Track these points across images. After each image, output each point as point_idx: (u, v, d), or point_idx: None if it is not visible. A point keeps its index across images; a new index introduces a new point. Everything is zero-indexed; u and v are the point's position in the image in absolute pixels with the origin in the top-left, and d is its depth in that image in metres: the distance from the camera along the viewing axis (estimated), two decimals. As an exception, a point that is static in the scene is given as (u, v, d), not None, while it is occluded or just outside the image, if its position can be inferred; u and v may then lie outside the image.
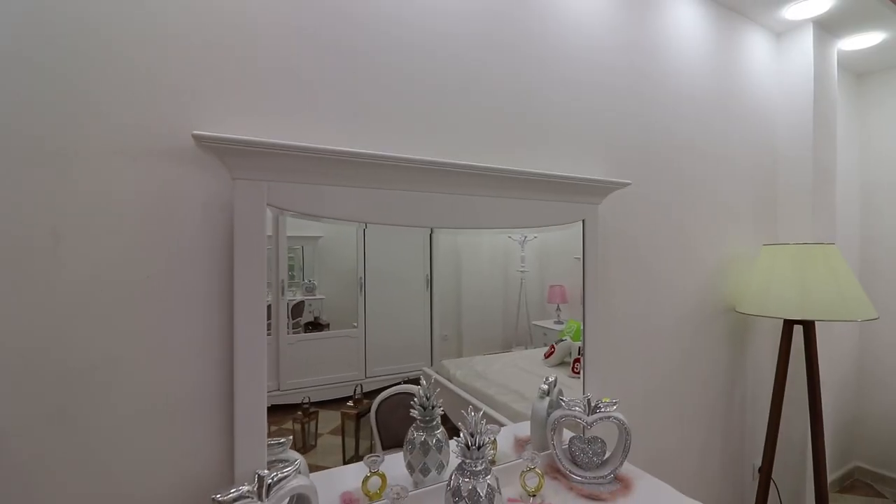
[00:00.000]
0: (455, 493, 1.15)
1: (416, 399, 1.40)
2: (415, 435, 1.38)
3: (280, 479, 0.98)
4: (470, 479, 1.14)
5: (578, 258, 1.68)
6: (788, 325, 2.04)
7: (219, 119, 1.06)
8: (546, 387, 1.61)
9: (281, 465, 1.01)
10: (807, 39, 2.30)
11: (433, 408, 1.39)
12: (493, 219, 1.42)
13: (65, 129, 0.93)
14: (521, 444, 1.59)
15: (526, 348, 1.84)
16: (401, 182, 1.22)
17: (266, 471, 0.97)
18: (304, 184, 1.09)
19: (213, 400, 1.07)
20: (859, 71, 3.00)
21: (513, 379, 1.77)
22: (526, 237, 1.80)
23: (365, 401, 1.54)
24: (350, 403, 1.51)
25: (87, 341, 0.95)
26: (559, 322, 1.86)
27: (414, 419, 1.39)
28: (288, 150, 1.02)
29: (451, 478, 1.18)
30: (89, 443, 0.96)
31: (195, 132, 0.92)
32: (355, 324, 1.51)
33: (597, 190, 1.57)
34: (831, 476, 2.87)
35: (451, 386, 1.66)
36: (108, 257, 0.97)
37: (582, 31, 1.70)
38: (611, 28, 1.78)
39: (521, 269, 1.82)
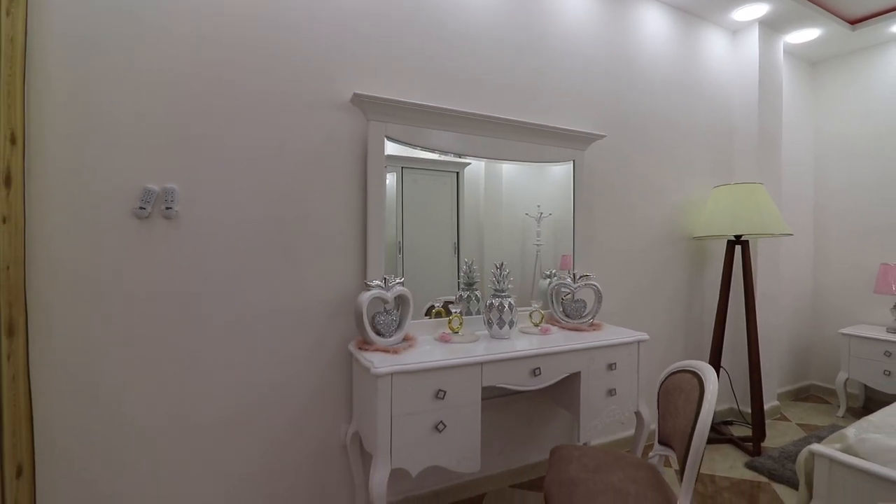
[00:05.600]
0: (489, 307, 1.94)
1: (462, 269, 2.19)
2: (461, 293, 2.18)
3: (394, 284, 1.79)
4: (499, 298, 1.94)
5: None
6: (731, 245, 2.76)
7: (357, 83, 1.87)
8: (548, 272, 2.39)
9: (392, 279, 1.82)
10: (753, 35, 3.01)
11: (473, 274, 2.18)
12: (515, 154, 2.21)
13: (282, 90, 1.76)
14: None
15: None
16: (459, 126, 2.02)
17: (387, 276, 1.79)
18: (404, 124, 1.91)
19: (356, 244, 1.90)
20: (812, 60, 3.66)
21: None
22: (542, 213, 2.48)
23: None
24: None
25: (296, 199, 1.78)
26: (568, 286, 2.49)
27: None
28: (396, 104, 1.84)
29: (486, 301, 1.97)
30: (295, 263, 1.79)
31: (356, 91, 1.75)
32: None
33: (582, 138, 2.34)
34: (788, 387, 3.54)
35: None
36: (313, 153, 1.80)
37: (575, 32, 2.46)
38: (597, 29, 2.54)
39: (537, 243, 2.46)
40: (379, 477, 1.47)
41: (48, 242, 1.44)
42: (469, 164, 2.21)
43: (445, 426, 1.57)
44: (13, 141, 1.34)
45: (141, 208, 1.53)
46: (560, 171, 2.43)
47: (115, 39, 1.51)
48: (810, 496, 1.86)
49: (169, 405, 1.61)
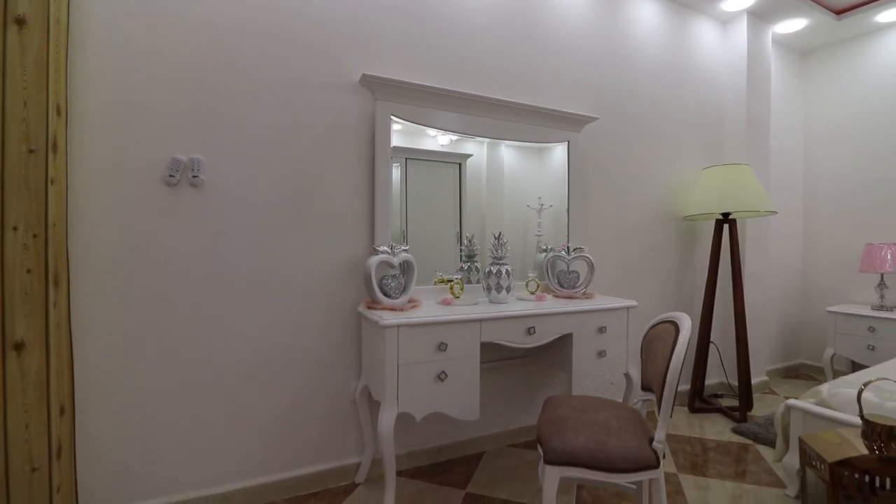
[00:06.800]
0: (488, 274, 2.09)
1: (463, 247, 2.32)
2: (462, 265, 2.32)
3: (400, 251, 1.94)
4: (497, 266, 2.08)
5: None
6: (719, 224, 2.89)
7: (366, 66, 2.01)
8: (544, 247, 2.53)
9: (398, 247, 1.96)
10: (742, 25, 3.14)
11: (474, 247, 2.32)
12: (513, 134, 2.35)
13: (297, 72, 1.91)
14: (528, 284, 2.50)
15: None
16: (461, 107, 2.16)
17: (393, 244, 1.93)
18: (409, 104, 2.05)
19: (365, 215, 2.04)
20: (802, 50, 3.79)
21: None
22: (543, 205, 2.61)
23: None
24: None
25: (309, 173, 1.93)
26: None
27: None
28: (402, 84, 1.98)
29: (485, 269, 2.12)
30: (309, 232, 1.94)
31: (364, 72, 1.89)
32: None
33: (576, 120, 2.48)
34: (778, 365, 3.67)
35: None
36: (325, 130, 1.94)
37: (571, 22, 2.60)
38: (592, 19, 2.68)
39: (538, 234, 2.61)
40: (386, 418, 1.61)
41: (87, 204, 1.59)
42: (471, 155, 2.35)
43: (447, 376, 1.72)
44: (59, 112, 1.49)
45: (170, 176, 1.68)
46: (560, 163, 2.55)
47: (145, 24, 1.66)
48: (787, 448, 2.00)
49: (196, 359, 1.75)
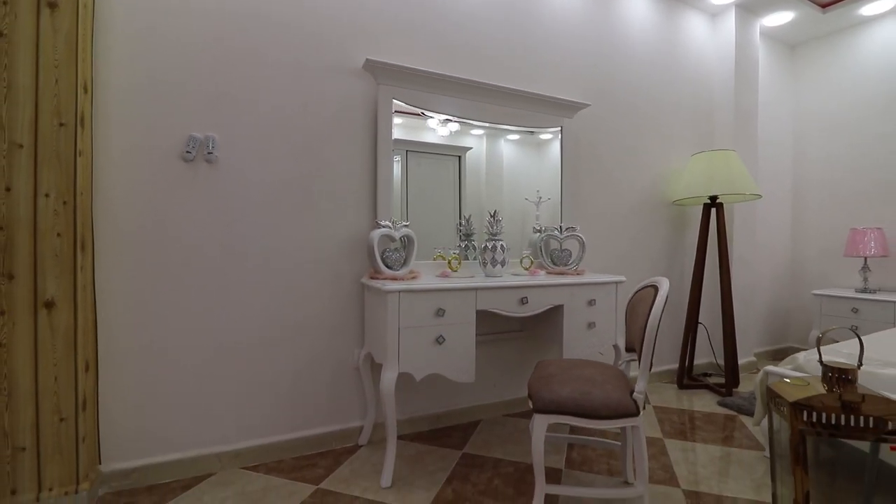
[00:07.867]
0: (484, 249, 2.20)
1: (461, 226, 2.45)
2: (460, 243, 2.44)
3: (401, 226, 2.06)
4: (493, 241, 2.20)
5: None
6: (706, 208, 3.01)
7: (368, 51, 2.13)
8: (538, 226, 2.65)
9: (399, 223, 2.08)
10: (730, 18, 3.26)
11: (471, 227, 2.44)
12: (510, 119, 2.47)
13: (304, 58, 2.03)
14: (522, 263, 2.62)
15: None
16: (460, 92, 2.29)
17: (395, 219, 2.05)
18: (411, 89, 2.17)
19: (368, 194, 2.16)
20: (791, 43, 3.91)
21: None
22: (541, 198, 2.73)
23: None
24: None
25: (316, 152, 2.05)
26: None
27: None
28: (403, 69, 2.10)
29: (481, 245, 2.24)
30: (315, 209, 2.06)
31: (368, 57, 2.01)
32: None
33: (569, 106, 2.60)
34: (767, 348, 3.79)
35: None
36: (330, 113, 2.07)
37: (567, 13, 2.72)
38: (586, 11, 2.80)
39: (537, 226, 2.75)
40: (388, 378, 1.73)
41: (110, 176, 1.72)
42: (471, 148, 2.46)
43: (445, 339, 1.84)
44: (85, 90, 1.61)
45: (188, 152, 1.80)
46: (557, 158, 2.65)
47: (165, 10, 1.79)
48: (765, 412, 2.12)
49: (210, 326, 1.88)
